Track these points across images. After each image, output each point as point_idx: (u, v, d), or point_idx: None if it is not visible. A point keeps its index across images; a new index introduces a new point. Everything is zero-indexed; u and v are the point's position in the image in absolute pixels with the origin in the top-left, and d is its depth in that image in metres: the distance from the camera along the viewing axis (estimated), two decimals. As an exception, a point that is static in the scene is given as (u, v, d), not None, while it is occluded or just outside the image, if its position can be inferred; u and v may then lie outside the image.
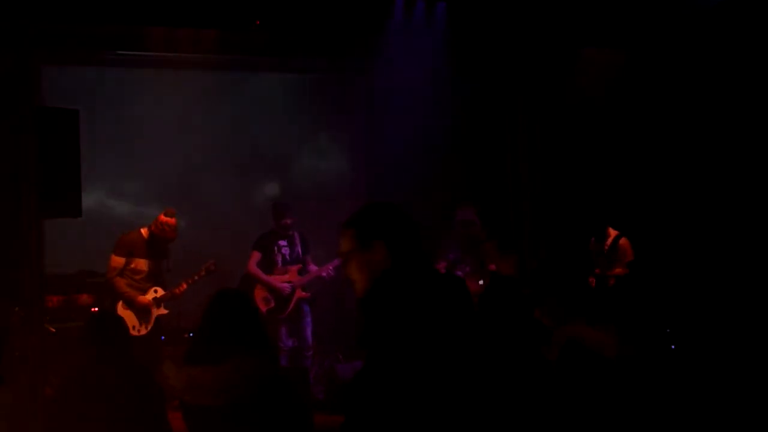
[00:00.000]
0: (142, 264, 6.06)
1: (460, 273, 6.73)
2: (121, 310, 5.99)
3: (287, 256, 6.73)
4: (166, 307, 6.22)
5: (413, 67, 7.77)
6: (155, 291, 6.16)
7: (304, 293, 6.75)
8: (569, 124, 7.79)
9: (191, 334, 6.50)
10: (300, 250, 6.81)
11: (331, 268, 6.80)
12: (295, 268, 6.74)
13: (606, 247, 6.41)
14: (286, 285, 6.63)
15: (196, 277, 6.36)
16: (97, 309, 6.56)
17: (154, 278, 6.18)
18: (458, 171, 8.30)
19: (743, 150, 6.75)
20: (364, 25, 7.64)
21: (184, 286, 6.24)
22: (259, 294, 6.62)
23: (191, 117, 8.24)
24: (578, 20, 7.38)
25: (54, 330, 6.23)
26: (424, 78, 7.84)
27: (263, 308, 6.58)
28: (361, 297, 2.36)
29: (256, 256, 6.63)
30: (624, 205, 7.05)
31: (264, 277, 6.61)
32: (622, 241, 6.41)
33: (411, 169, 8.08)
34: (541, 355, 2.88)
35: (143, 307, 6.05)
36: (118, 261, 6.00)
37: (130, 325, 5.96)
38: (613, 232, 6.46)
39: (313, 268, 6.81)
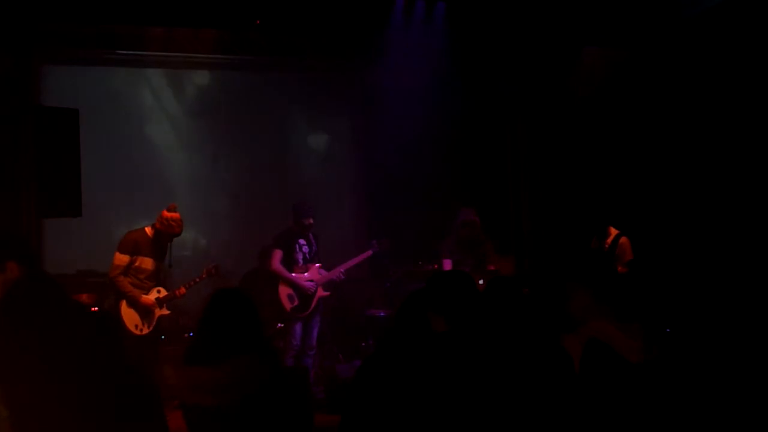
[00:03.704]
0: (147, 263, 6.05)
1: (460, 273, 6.73)
2: (125, 309, 5.99)
3: (307, 255, 6.74)
4: (167, 308, 6.22)
5: (413, 67, 7.77)
6: (158, 291, 6.15)
7: (324, 292, 6.77)
8: (569, 123, 7.79)
9: (191, 334, 6.49)
10: (316, 249, 6.83)
11: (342, 270, 6.83)
12: (314, 266, 6.75)
13: (606, 246, 6.41)
14: (311, 284, 6.65)
15: (198, 279, 6.35)
16: (97, 309, 6.55)
17: (157, 277, 6.18)
18: (458, 171, 8.30)
19: (743, 150, 6.75)
20: (364, 24, 7.64)
21: (183, 290, 6.23)
22: (284, 291, 6.61)
23: (190, 117, 8.23)
24: (579, 20, 7.38)
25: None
26: (424, 77, 7.84)
27: (288, 306, 6.58)
28: None
29: (279, 254, 6.62)
30: (624, 204, 7.05)
31: (288, 275, 6.61)
32: (623, 239, 6.41)
33: (411, 169, 8.08)
34: (561, 349, 2.87)
35: (147, 307, 6.04)
36: (122, 259, 5.98)
37: (132, 324, 5.99)
38: (613, 231, 6.46)
39: (323, 271, 6.82)
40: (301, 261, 6.70)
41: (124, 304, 5.99)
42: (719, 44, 6.66)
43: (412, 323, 2.86)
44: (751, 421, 3.00)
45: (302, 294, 6.62)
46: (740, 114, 6.67)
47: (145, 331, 6.03)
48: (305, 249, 6.73)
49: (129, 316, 5.98)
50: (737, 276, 6.30)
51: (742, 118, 6.65)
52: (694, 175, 7.02)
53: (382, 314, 7.20)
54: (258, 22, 7.43)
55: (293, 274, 6.63)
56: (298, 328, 6.62)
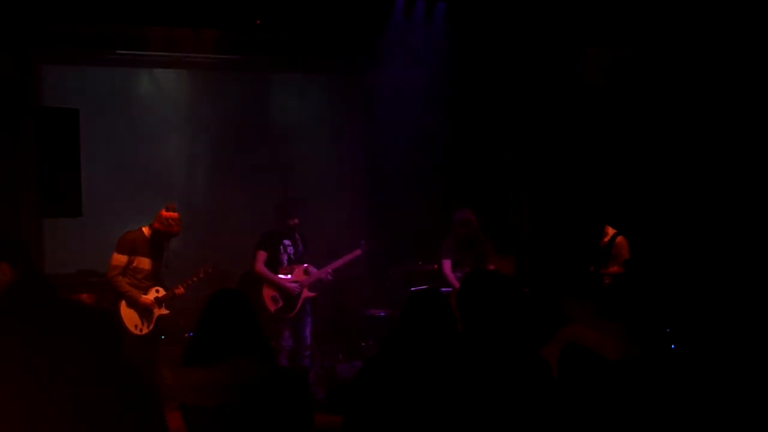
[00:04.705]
0: (144, 263, 6.06)
1: (459, 273, 6.74)
2: (124, 309, 6.00)
3: (292, 256, 6.71)
4: (166, 307, 6.22)
5: (413, 67, 7.78)
6: (157, 291, 6.16)
7: (310, 293, 6.74)
8: (570, 123, 7.79)
9: (191, 334, 6.48)
10: (302, 250, 6.80)
11: (330, 270, 6.79)
12: (299, 267, 6.73)
13: (603, 245, 6.40)
14: (294, 285, 6.62)
15: (195, 279, 6.35)
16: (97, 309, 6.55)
17: (155, 277, 6.19)
18: (458, 171, 8.31)
19: (744, 149, 6.75)
20: (364, 24, 7.64)
21: (182, 289, 6.24)
22: (268, 293, 6.59)
23: (190, 117, 8.23)
24: (578, 19, 7.38)
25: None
26: (424, 77, 7.85)
27: (272, 308, 6.56)
28: None
29: (263, 255, 6.60)
30: (624, 204, 7.05)
31: (272, 276, 6.58)
32: (620, 239, 6.41)
33: (410, 169, 8.08)
34: (539, 356, 2.88)
35: (145, 306, 6.05)
36: (120, 259, 5.99)
37: (132, 324, 6.00)
38: (610, 231, 6.46)
39: (312, 270, 6.79)
40: (285, 262, 6.67)
41: (123, 304, 6.01)
42: (736, 34, 6.62)
43: (416, 324, 2.86)
44: (734, 420, 3.01)
45: (286, 295, 6.60)
46: (740, 114, 6.67)
47: (145, 330, 6.04)
48: (290, 250, 6.69)
49: (128, 316, 5.99)
50: (735, 277, 6.30)
51: (742, 117, 6.65)
52: (694, 176, 7.03)
53: (382, 314, 7.20)
54: (258, 22, 7.43)
55: (278, 276, 6.60)
56: (285, 330, 6.61)
